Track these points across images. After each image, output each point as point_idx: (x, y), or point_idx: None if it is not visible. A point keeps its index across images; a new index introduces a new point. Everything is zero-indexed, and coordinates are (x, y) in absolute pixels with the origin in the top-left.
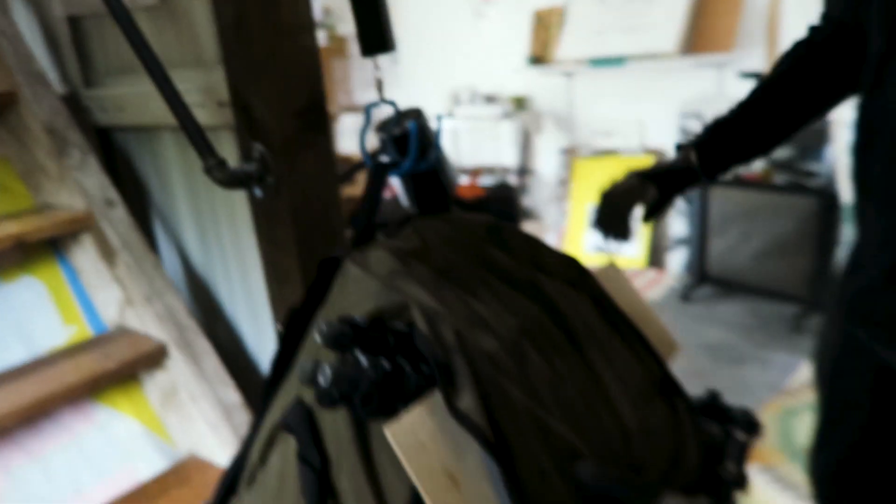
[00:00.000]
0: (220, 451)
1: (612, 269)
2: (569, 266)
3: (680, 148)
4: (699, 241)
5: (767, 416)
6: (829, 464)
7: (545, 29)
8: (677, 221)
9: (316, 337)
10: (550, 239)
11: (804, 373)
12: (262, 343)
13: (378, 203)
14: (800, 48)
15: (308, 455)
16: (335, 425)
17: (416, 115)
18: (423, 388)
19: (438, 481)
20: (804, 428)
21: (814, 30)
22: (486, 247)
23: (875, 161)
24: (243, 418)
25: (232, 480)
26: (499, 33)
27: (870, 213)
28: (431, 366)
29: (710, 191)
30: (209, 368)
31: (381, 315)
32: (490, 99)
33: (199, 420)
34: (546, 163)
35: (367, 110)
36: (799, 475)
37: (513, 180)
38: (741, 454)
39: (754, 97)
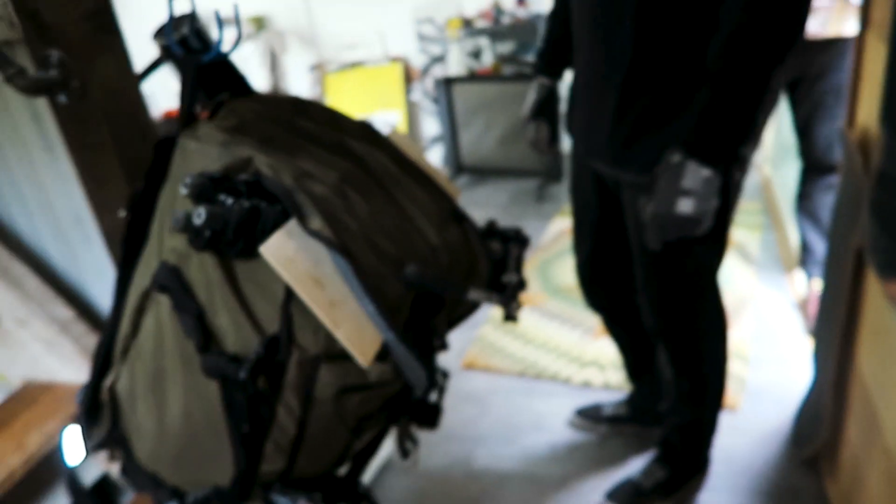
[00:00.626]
0: (63, 367)
1: (398, 133)
2: (365, 129)
3: (535, 75)
4: (450, 136)
5: (529, 269)
6: (582, 261)
7: None
8: (429, 122)
9: (182, 190)
10: None
11: (551, 231)
12: (78, 261)
13: (196, 89)
14: None
15: (184, 305)
16: (204, 272)
17: (192, 17)
18: (278, 223)
19: (308, 285)
20: (557, 271)
21: None
22: (295, 118)
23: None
24: (82, 330)
25: (104, 359)
26: None
27: (577, 54)
28: (282, 200)
29: (452, 89)
30: (32, 289)
31: (229, 171)
32: (227, 21)
33: (31, 343)
34: (297, 81)
35: (170, 1)
36: (559, 308)
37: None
38: (518, 263)
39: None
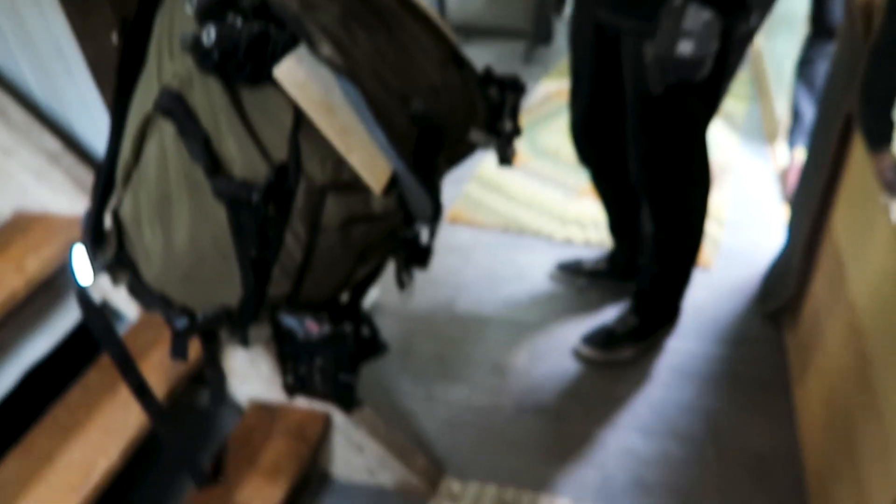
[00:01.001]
0: (54, 197)
1: None
2: None
3: None
4: None
5: None
6: (577, 115)
7: None
8: None
9: (187, 8)
10: None
11: (538, 93)
12: (61, 95)
13: None
14: None
15: (189, 130)
16: (209, 98)
17: None
18: (287, 48)
19: (321, 110)
20: (543, 133)
21: None
22: None
23: None
24: (71, 162)
25: (105, 186)
26: None
27: None
28: (291, 26)
29: None
30: (17, 119)
31: None
32: None
33: (19, 173)
34: None
35: None
36: (543, 168)
37: None
38: (514, 111)
39: None
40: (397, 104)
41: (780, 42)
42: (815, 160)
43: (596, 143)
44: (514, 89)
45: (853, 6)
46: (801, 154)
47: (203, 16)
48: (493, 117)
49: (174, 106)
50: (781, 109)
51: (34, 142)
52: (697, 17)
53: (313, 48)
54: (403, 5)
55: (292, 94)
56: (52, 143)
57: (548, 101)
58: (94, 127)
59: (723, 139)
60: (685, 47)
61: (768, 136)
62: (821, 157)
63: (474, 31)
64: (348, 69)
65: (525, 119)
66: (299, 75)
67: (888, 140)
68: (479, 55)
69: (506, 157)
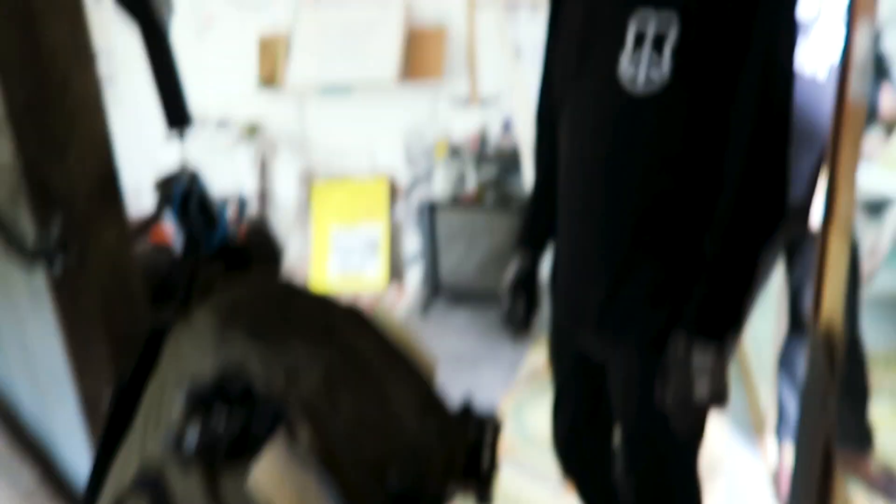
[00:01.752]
0: None
1: (383, 311)
2: (353, 315)
3: (519, 245)
4: (431, 258)
5: (504, 410)
6: (561, 431)
7: (272, 56)
8: (411, 241)
9: (177, 403)
10: (298, 267)
11: (528, 365)
12: (51, 417)
13: (196, 275)
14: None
15: None
16: (186, 484)
17: (191, 176)
18: (268, 434)
19: None
20: (531, 414)
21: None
22: (288, 299)
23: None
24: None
25: None
26: (224, 59)
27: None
28: (273, 411)
29: (436, 213)
30: None
31: (222, 379)
32: (222, 124)
33: None
34: (285, 189)
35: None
36: (531, 458)
37: (252, 207)
38: (493, 448)
39: (537, 189)
40: (373, 481)
41: (759, 327)
42: (798, 491)
43: (582, 460)
44: (492, 426)
45: (815, 338)
46: (789, 453)
47: (190, 411)
48: (471, 458)
49: (150, 489)
50: (766, 395)
51: (11, 477)
52: (704, 358)
53: (292, 436)
54: (386, 353)
55: (268, 496)
56: (29, 479)
57: (536, 376)
58: (76, 454)
59: (712, 428)
60: (702, 387)
61: (755, 426)
62: (805, 493)
63: (466, 296)
64: (324, 456)
65: (513, 397)
66: (275, 474)
67: (868, 442)
68: (471, 320)
69: (484, 497)
